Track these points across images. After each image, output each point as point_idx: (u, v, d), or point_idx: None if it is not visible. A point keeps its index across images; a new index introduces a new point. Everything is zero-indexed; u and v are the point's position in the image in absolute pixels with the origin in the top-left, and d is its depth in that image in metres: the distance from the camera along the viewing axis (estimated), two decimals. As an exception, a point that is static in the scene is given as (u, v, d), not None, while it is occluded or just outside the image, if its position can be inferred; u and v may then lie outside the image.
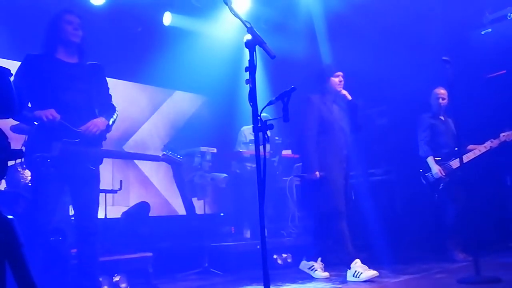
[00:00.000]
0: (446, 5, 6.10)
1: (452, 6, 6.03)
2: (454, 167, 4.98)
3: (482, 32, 6.17)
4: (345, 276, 4.13)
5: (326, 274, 4.36)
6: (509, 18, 5.95)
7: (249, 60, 2.68)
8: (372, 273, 3.94)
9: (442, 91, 5.27)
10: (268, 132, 5.81)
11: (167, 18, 6.54)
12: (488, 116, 5.84)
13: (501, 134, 5.03)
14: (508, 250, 5.33)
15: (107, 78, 3.66)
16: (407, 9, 6.07)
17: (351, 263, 4.06)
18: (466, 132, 5.08)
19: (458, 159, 4.70)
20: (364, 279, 3.92)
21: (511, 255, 4.99)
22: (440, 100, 5.26)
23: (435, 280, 3.86)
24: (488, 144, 5.05)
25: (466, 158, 4.89)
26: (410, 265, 4.63)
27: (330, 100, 4.27)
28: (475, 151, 5.05)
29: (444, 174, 4.97)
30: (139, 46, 6.45)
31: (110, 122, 3.51)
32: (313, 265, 4.40)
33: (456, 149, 4.80)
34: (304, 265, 4.48)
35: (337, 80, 4.25)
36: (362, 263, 4.04)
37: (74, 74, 3.40)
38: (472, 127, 5.41)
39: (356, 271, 4.00)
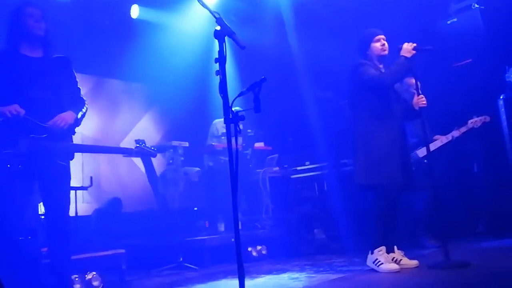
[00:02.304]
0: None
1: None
2: (420, 156, 5.07)
3: (448, 22, 6.29)
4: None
5: (394, 266, 3.73)
6: (473, 8, 6.07)
7: (218, 51, 2.66)
8: (392, 266, 3.70)
9: (412, 81, 5.35)
10: (241, 125, 5.79)
11: (135, 11, 6.44)
12: (455, 104, 5.98)
13: (469, 121, 5.14)
14: (476, 236, 5.48)
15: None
16: (374, -1, 6.14)
17: (375, 248, 3.81)
18: (433, 121, 5.21)
19: (424, 148, 4.79)
20: (382, 270, 3.70)
21: (479, 240, 5.13)
22: (412, 90, 5.35)
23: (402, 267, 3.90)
24: (454, 133, 5.15)
25: (433, 146, 4.98)
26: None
27: (377, 67, 4.02)
28: (442, 139, 5.16)
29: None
30: (106, 40, 6.33)
31: (79, 116, 3.43)
32: (376, 258, 3.82)
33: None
34: (369, 259, 3.89)
35: (378, 45, 4.03)
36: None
37: (39, 68, 3.31)
38: (440, 116, 5.53)
39: (377, 259, 3.77)
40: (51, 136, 3.21)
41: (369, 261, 3.85)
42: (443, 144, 5.14)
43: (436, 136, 5.19)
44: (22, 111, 3.10)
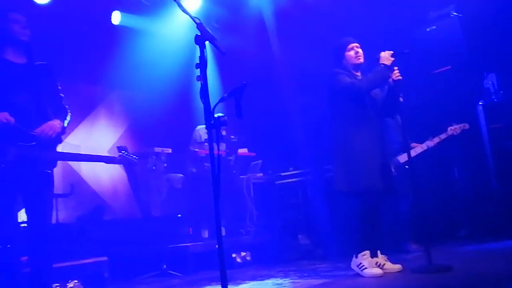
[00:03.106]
0: (392, 2, 6.28)
1: (397, 3, 6.21)
2: (401, 161, 5.12)
3: (427, 29, 6.39)
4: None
5: (378, 271, 3.75)
6: (452, 15, 6.18)
7: (199, 57, 2.66)
8: (376, 271, 3.72)
9: None
10: (223, 132, 5.78)
11: (116, 17, 6.41)
12: (435, 111, 6.06)
13: (449, 128, 5.21)
14: (458, 240, 5.54)
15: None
16: (354, 6, 6.20)
17: (359, 252, 3.83)
18: (413, 127, 5.27)
19: (405, 153, 4.86)
20: (365, 275, 3.72)
21: (461, 244, 5.19)
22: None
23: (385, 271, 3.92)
24: (435, 139, 5.20)
25: (413, 152, 5.04)
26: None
27: (353, 75, 4.02)
28: (422, 146, 5.22)
29: (393, 169, 5.10)
30: (87, 47, 6.28)
31: (65, 124, 3.42)
32: (360, 263, 3.84)
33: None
34: (353, 263, 3.91)
35: (352, 53, 4.04)
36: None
37: (23, 75, 3.28)
38: (419, 122, 5.61)
39: (361, 263, 3.79)
40: (39, 144, 3.18)
41: (353, 265, 3.87)
42: (424, 151, 5.19)
43: (413, 144, 5.24)
44: (12, 120, 3.07)
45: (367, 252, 3.83)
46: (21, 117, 3.14)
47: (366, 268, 3.76)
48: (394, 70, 3.93)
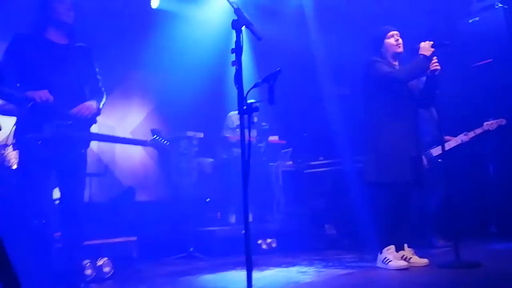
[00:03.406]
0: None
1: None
2: (434, 154, 5.02)
3: (470, 21, 6.20)
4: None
5: (403, 263, 3.73)
6: (496, 7, 5.97)
7: (235, 42, 2.66)
8: (401, 263, 3.70)
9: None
10: (255, 118, 5.79)
11: (155, 1, 6.47)
12: (473, 104, 5.90)
13: (485, 123, 5.07)
14: (488, 237, 5.43)
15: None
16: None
17: (383, 247, 3.82)
18: (450, 120, 5.15)
19: (439, 146, 4.76)
20: (391, 268, 3.69)
21: (490, 241, 5.08)
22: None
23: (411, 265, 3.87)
24: (469, 134, 5.08)
25: (447, 146, 4.93)
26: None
27: (391, 64, 3.97)
28: (456, 139, 5.10)
29: (426, 162, 5.01)
30: (126, 30, 6.36)
31: (101, 106, 3.50)
32: (385, 257, 3.83)
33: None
34: (379, 259, 3.88)
35: (392, 40, 3.98)
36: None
37: (64, 55, 3.36)
38: (457, 116, 5.47)
39: (386, 257, 3.76)
40: (75, 123, 3.27)
41: (379, 261, 3.84)
42: (457, 145, 5.08)
43: (447, 137, 5.12)
44: (51, 98, 3.15)
45: (392, 247, 3.80)
46: (59, 96, 3.23)
47: (391, 261, 3.74)
48: (433, 60, 3.83)
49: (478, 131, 5.07)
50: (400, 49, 3.98)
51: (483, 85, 5.92)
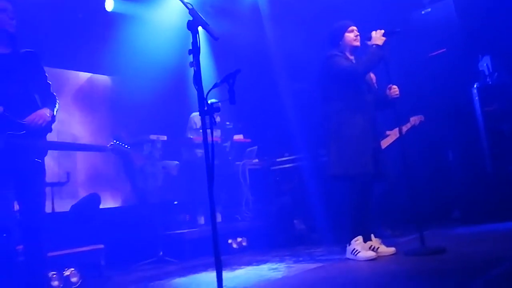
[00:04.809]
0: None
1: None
2: (383, 146, 5.09)
3: (422, 12, 6.36)
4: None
5: (371, 253, 3.77)
6: (447, -3, 6.15)
7: (192, 43, 2.65)
8: (369, 254, 3.75)
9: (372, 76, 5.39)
10: (218, 118, 5.76)
11: (110, 4, 6.35)
12: (430, 93, 6.06)
13: (411, 119, 5.29)
14: (452, 222, 5.59)
15: (47, 68, 3.51)
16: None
17: (352, 239, 3.86)
18: (408, 110, 5.29)
19: (387, 138, 4.90)
20: (360, 259, 3.74)
21: (454, 226, 5.23)
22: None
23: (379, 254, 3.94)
24: (402, 129, 5.21)
25: (385, 143, 5.06)
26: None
27: (348, 59, 4.01)
28: (391, 136, 5.22)
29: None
30: (81, 33, 6.22)
31: (55, 113, 3.40)
32: (354, 248, 3.86)
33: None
34: (348, 251, 3.92)
35: (352, 35, 4.03)
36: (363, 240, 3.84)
37: (9, 64, 3.25)
38: (414, 105, 5.61)
39: (355, 248, 3.81)
40: (28, 133, 3.17)
41: (348, 253, 3.90)
42: (393, 141, 5.22)
43: (388, 132, 5.25)
44: (1, 108, 3.05)
45: (360, 238, 3.86)
46: (10, 106, 3.13)
47: (359, 252, 3.79)
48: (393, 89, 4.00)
49: (408, 125, 5.25)
50: (358, 44, 4.06)
51: (439, 73, 6.07)
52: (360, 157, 3.85)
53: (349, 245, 3.88)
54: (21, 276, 3.20)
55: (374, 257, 3.75)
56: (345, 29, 4.05)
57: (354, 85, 3.95)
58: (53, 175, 5.32)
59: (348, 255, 3.89)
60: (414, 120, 5.31)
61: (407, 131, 5.18)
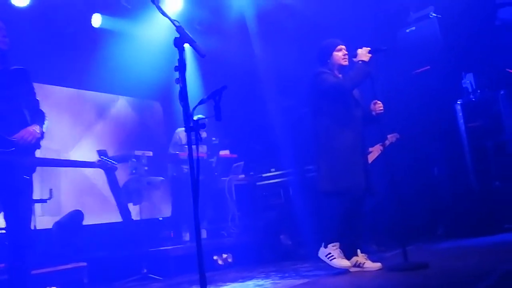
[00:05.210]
0: (373, 4, 6.33)
1: (378, 5, 6.26)
2: (370, 161, 5.13)
3: (407, 30, 6.46)
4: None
5: (346, 263, 3.83)
6: (431, 16, 6.26)
7: (178, 59, 2.65)
8: (344, 263, 3.78)
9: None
10: (204, 133, 5.74)
11: (97, 20, 6.36)
12: (415, 110, 6.13)
13: (388, 136, 5.29)
14: (437, 238, 5.61)
15: (34, 84, 3.50)
16: (336, 7, 6.24)
17: (330, 242, 3.87)
18: (393, 127, 5.33)
19: (372, 153, 4.95)
20: (334, 265, 3.78)
21: (438, 242, 5.25)
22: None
23: (365, 270, 3.94)
24: (385, 143, 5.25)
25: (370, 158, 5.08)
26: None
27: (336, 76, 4.04)
28: (374, 152, 5.26)
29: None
30: (67, 50, 6.21)
31: (44, 129, 3.37)
32: (329, 252, 3.88)
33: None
34: (321, 252, 3.93)
35: (340, 54, 4.05)
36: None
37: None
38: (399, 122, 5.67)
39: (330, 253, 3.83)
40: (18, 150, 3.14)
41: (321, 254, 3.89)
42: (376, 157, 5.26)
43: (370, 149, 5.29)
44: None
45: (337, 244, 3.87)
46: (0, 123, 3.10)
47: (335, 258, 3.81)
48: (378, 102, 4.04)
49: (387, 142, 5.23)
50: (346, 63, 4.10)
51: (424, 90, 6.15)
52: (351, 171, 3.87)
53: (325, 247, 3.89)
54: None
55: (348, 267, 3.79)
56: (333, 48, 4.10)
57: (343, 101, 3.99)
58: (36, 192, 5.25)
59: (322, 256, 3.89)
60: (391, 137, 5.34)
61: (385, 148, 5.23)
